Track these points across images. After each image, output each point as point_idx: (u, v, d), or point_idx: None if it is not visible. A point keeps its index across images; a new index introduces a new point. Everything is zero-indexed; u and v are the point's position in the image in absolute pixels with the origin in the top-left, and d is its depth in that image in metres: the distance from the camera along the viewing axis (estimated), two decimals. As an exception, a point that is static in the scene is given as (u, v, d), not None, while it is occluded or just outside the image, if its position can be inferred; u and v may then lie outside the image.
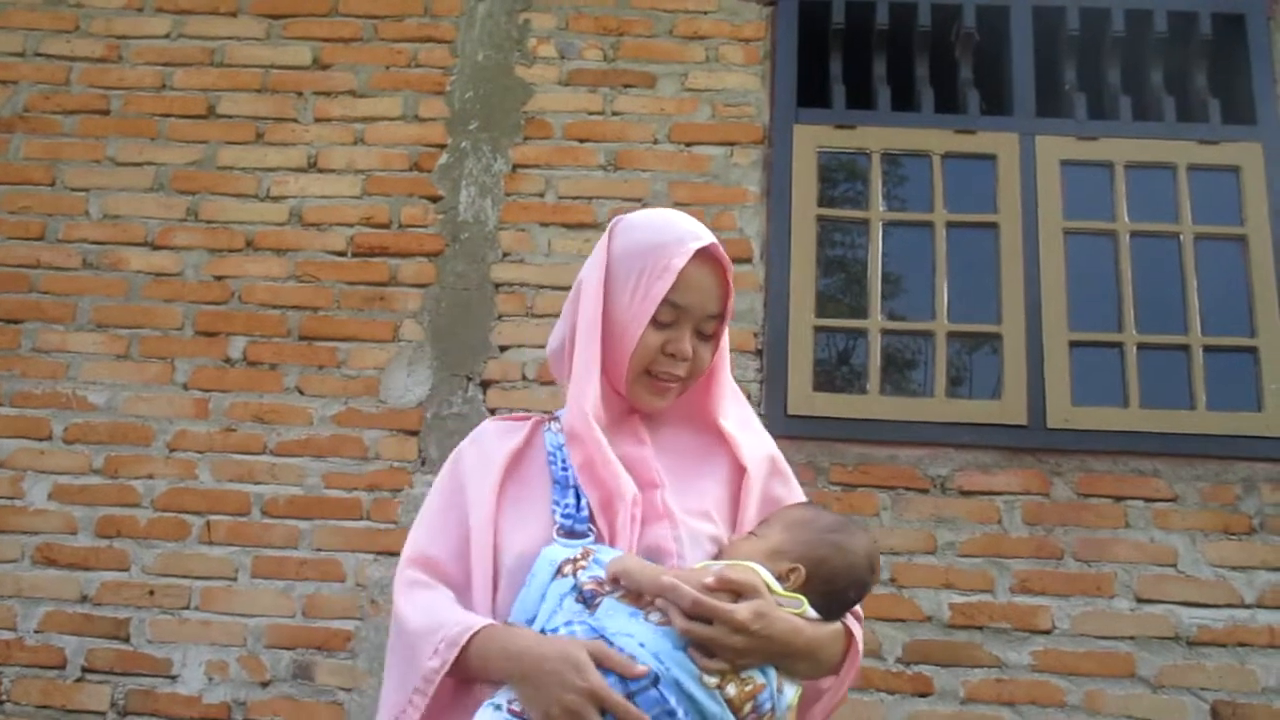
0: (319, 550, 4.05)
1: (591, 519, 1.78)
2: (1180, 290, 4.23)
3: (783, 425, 4.06)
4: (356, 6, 4.58)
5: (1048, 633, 3.90)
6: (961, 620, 3.92)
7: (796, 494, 1.97)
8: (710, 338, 1.91)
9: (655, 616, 1.60)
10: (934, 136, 4.41)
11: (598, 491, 1.80)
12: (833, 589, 1.74)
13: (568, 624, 1.63)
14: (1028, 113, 4.42)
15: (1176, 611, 3.91)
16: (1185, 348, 4.17)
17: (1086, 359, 4.17)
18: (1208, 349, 4.17)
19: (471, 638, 1.68)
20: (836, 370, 4.43)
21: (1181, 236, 4.29)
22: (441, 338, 4.23)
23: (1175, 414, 4.09)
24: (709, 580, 1.61)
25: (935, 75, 4.54)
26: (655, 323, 1.84)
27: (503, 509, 1.85)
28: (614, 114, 4.45)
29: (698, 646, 1.58)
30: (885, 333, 4.27)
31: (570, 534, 1.76)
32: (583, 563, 1.69)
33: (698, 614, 1.58)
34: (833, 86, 4.50)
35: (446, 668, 1.68)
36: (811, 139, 4.39)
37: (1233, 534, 3.97)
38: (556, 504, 1.81)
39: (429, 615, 1.75)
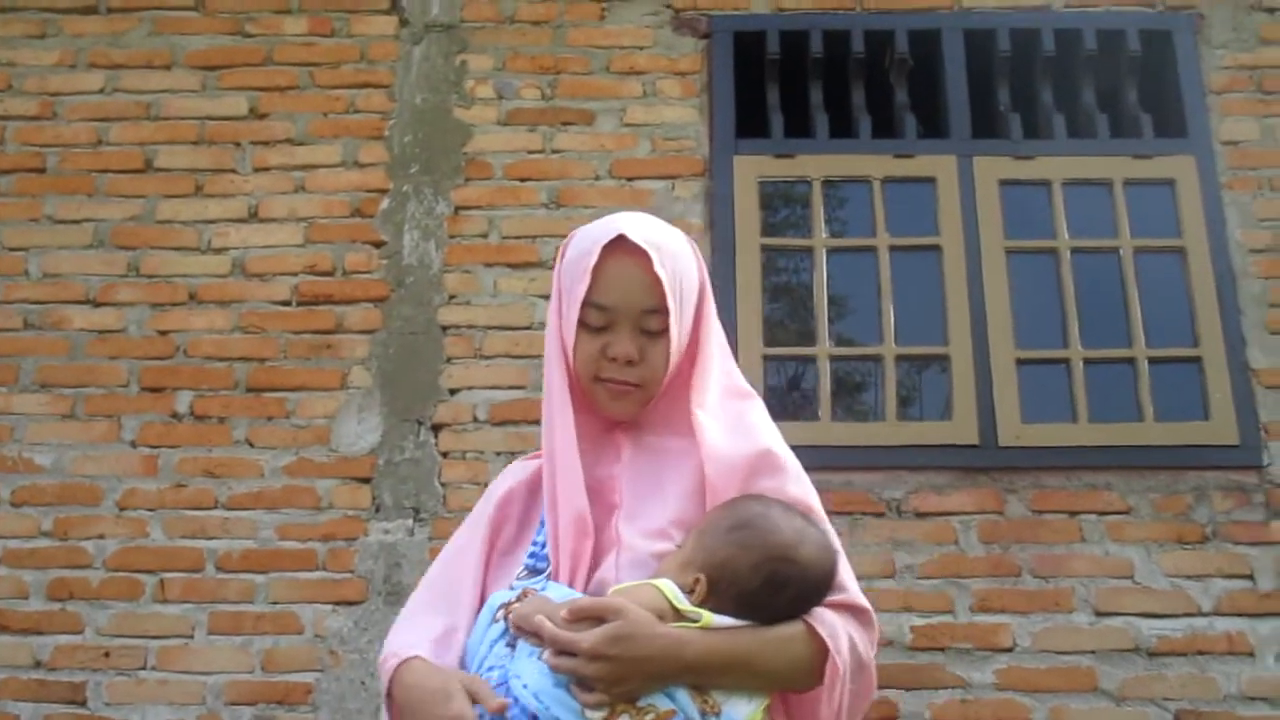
0: (275, 603, 4.00)
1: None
2: (1123, 304, 4.28)
3: (736, 455, 4.07)
4: (292, 55, 4.56)
5: (1009, 650, 3.91)
6: (923, 642, 3.92)
7: (791, 488, 1.78)
8: (659, 334, 1.77)
9: (546, 655, 1.57)
10: (873, 162, 4.44)
11: (551, 528, 1.76)
12: (745, 591, 1.62)
13: (490, 669, 1.65)
14: (964, 135, 4.46)
15: (1135, 623, 3.93)
16: (1131, 360, 4.21)
17: (1034, 376, 4.20)
18: (1153, 361, 4.21)
19: (398, 666, 1.71)
20: (788, 398, 4.44)
21: (1121, 251, 4.34)
22: (390, 383, 4.21)
23: (1124, 427, 4.13)
24: (563, 613, 1.57)
25: (871, 101, 4.57)
26: (589, 328, 1.76)
27: (494, 558, 1.85)
28: (554, 152, 4.45)
29: (579, 682, 1.55)
30: (834, 358, 4.28)
31: (534, 572, 1.75)
32: (516, 605, 1.67)
33: (559, 649, 1.56)
34: (771, 116, 4.53)
35: (384, 693, 1.74)
36: (752, 169, 4.41)
37: (1187, 543, 4.00)
38: (534, 542, 1.80)
39: (392, 637, 1.80)
